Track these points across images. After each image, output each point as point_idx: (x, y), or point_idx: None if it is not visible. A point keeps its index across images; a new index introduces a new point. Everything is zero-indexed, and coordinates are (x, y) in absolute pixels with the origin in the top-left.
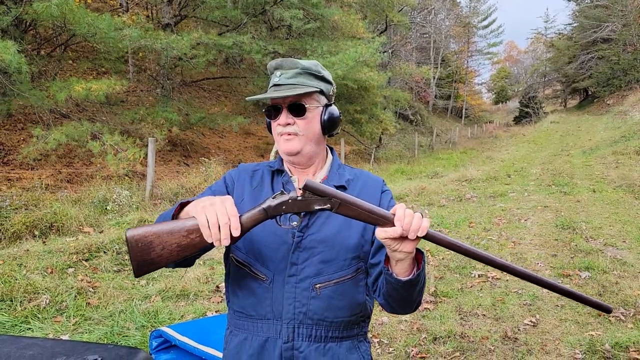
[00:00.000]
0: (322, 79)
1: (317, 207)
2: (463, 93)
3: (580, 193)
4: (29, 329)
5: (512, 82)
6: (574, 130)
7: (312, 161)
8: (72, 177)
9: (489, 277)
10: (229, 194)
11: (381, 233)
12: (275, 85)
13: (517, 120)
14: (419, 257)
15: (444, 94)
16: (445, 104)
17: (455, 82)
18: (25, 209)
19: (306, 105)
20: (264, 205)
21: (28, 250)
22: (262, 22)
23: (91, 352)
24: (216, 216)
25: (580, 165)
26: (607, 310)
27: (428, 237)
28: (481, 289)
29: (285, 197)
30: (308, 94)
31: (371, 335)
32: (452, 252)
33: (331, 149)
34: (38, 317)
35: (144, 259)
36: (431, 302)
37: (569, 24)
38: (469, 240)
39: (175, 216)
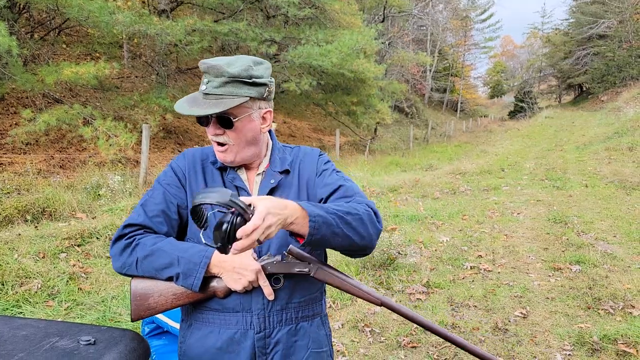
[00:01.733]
0: (253, 84)
1: (297, 270)
2: (459, 87)
3: (572, 188)
4: (21, 312)
5: (508, 77)
6: (568, 126)
7: (252, 160)
8: (64, 163)
9: (480, 269)
10: (182, 187)
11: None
12: (203, 93)
13: (512, 114)
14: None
15: (439, 87)
16: (441, 97)
17: (451, 75)
18: (17, 194)
19: (233, 120)
20: (261, 266)
21: (20, 234)
22: (259, 10)
23: (84, 333)
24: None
25: (574, 161)
26: None
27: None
28: (473, 281)
29: (271, 260)
30: (236, 105)
31: (363, 325)
32: (445, 244)
33: (270, 132)
34: (29, 302)
35: (142, 304)
36: (423, 292)
37: (566, 20)
38: (462, 232)
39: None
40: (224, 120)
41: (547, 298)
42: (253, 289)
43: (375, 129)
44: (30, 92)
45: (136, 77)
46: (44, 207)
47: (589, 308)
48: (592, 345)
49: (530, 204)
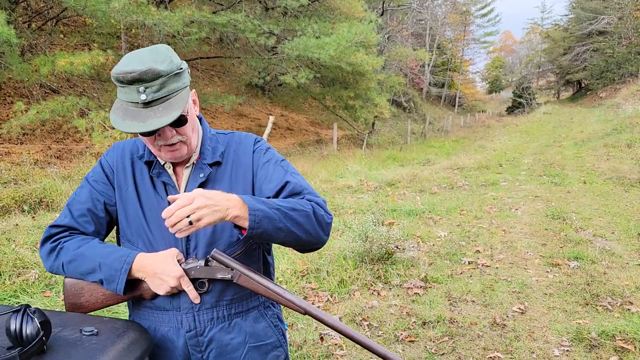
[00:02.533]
0: (180, 72)
1: (220, 276)
2: (457, 81)
3: (571, 184)
4: (18, 303)
5: (507, 72)
6: (566, 122)
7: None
8: (61, 154)
9: (478, 264)
10: (110, 183)
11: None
12: (142, 103)
13: (510, 110)
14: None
15: (438, 82)
16: (439, 91)
17: (449, 70)
18: (15, 184)
19: (186, 115)
20: (186, 271)
21: (17, 224)
22: (257, 1)
23: (87, 324)
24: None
25: (572, 157)
26: None
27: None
28: (471, 276)
29: (195, 264)
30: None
31: (361, 319)
32: (443, 239)
33: (200, 119)
34: (27, 292)
35: (75, 302)
36: (421, 287)
37: (566, 15)
38: (460, 227)
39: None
40: (177, 121)
41: (545, 294)
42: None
43: (373, 123)
44: (27, 82)
45: None
46: (41, 198)
47: (587, 304)
48: (591, 341)
49: (528, 199)
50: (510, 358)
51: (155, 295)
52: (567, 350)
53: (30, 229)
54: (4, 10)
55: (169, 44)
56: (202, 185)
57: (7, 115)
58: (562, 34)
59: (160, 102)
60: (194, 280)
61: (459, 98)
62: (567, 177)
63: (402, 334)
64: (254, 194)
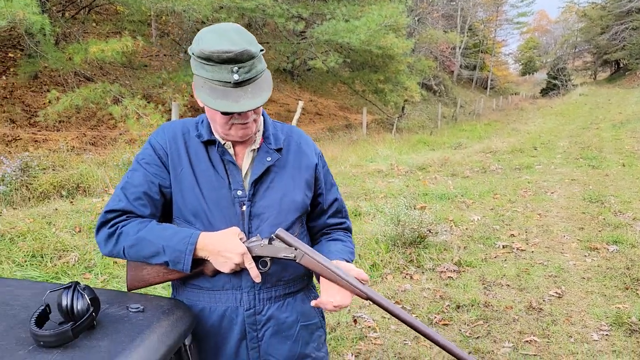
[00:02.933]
0: (261, 50)
1: (283, 255)
2: (489, 63)
3: (609, 167)
4: None
5: (541, 53)
6: (603, 103)
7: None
8: (96, 140)
9: (513, 248)
10: (164, 166)
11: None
12: (234, 83)
13: (544, 92)
14: None
15: (469, 64)
16: (470, 74)
17: (481, 52)
18: (53, 170)
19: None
20: (249, 248)
21: (57, 209)
22: None
23: (133, 301)
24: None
25: (610, 139)
26: None
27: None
28: (505, 260)
29: (259, 241)
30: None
31: (394, 302)
32: (476, 222)
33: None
34: (68, 274)
35: (137, 274)
36: (454, 271)
37: None
38: (493, 211)
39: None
40: None
41: (583, 278)
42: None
43: (403, 107)
44: (62, 70)
45: (164, 55)
46: (78, 183)
47: (627, 288)
48: (631, 325)
49: (564, 183)
50: (547, 342)
51: (216, 272)
52: (606, 335)
53: (69, 213)
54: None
55: (198, 30)
56: (269, 169)
57: (44, 104)
58: (600, 13)
59: (249, 82)
60: (256, 259)
61: (491, 80)
62: (605, 159)
63: (435, 317)
64: (312, 191)
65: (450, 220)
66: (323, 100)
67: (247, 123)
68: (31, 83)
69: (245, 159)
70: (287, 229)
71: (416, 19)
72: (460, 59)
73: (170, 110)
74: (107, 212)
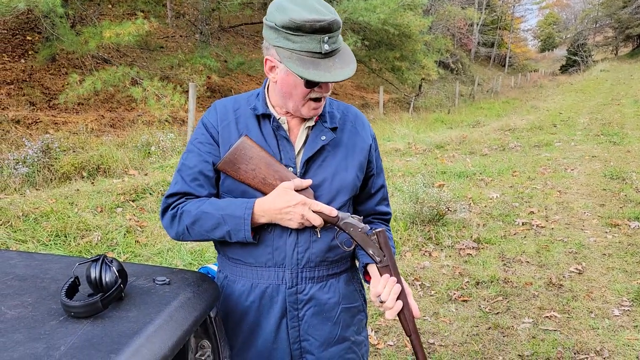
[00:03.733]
0: None
1: (370, 252)
2: (507, 40)
3: (630, 143)
4: None
5: (560, 29)
6: (625, 79)
7: None
8: (115, 122)
9: (533, 225)
10: (216, 143)
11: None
12: (323, 53)
13: (564, 69)
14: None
15: (487, 42)
16: (488, 51)
17: (499, 28)
18: (73, 152)
19: None
20: (340, 215)
21: (78, 190)
22: None
23: (158, 274)
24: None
25: (632, 115)
26: None
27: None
28: (525, 237)
29: (359, 225)
30: None
31: (413, 279)
32: (495, 200)
33: None
34: (91, 253)
35: (232, 162)
36: (474, 248)
37: None
38: (512, 188)
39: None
40: None
41: (604, 254)
42: (286, 243)
43: (420, 86)
44: (79, 53)
45: (180, 36)
46: (98, 164)
47: None
48: None
49: (585, 159)
50: (568, 317)
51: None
52: (628, 310)
53: (91, 193)
54: None
55: (213, 10)
56: (322, 147)
57: (62, 86)
58: None
59: (335, 53)
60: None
61: (510, 58)
62: (627, 136)
63: (455, 294)
64: (364, 173)
65: (469, 198)
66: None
67: (321, 100)
68: (49, 66)
69: (299, 136)
70: (339, 209)
71: None
72: (478, 36)
73: (187, 91)
74: (167, 197)
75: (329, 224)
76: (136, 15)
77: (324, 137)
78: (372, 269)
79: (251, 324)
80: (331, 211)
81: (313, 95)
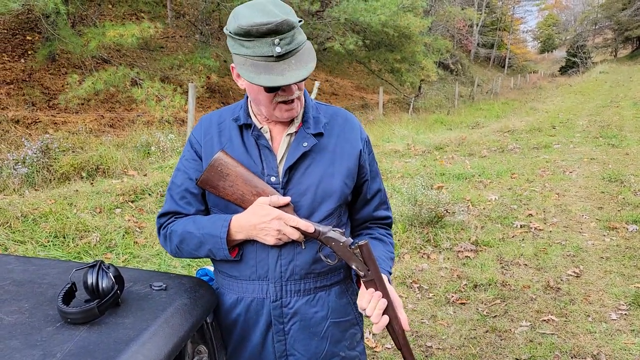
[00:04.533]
0: (300, 21)
1: (354, 266)
2: (507, 41)
3: (629, 146)
4: None
5: (560, 30)
6: (624, 81)
7: None
8: (114, 122)
9: (531, 228)
10: (200, 158)
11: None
12: (276, 56)
13: (563, 70)
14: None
15: (486, 43)
16: (488, 52)
17: (499, 29)
18: (72, 152)
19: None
20: (320, 228)
21: (77, 190)
22: None
23: (155, 279)
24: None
25: (631, 117)
26: None
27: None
28: (523, 239)
29: (341, 239)
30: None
31: (411, 281)
32: (493, 202)
33: None
34: (89, 253)
35: (209, 179)
36: (471, 250)
37: None
38: (511, 191)
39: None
40: None
41: (602, 257)
42: (268, 256)
43: (420, 87)
44: (79, 53)
45: (180, 36)
46: (97, 165)
47: None
48: None
49: (583, 162)
50: (565, 321)
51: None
52: (625, 314)
53: (90, 194)
54: None
55: (213, 11)
56: (305, 154)
57: (62, 86)
58: None
59: (291, 54)
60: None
61: (509, 59)
62: (626, 138)
63: (453, 296)
64: (354, 180)
65: (468, 200)
66: (339, 80)
67: (292, 101)
68: (49, 66)
69: (281, 144)
70: (322, 220)
71: None
72: (478, 37)
73: (187, 91)
74: (159, 217)
75: (311, 237)
76: (137, 16)
77: (305, 144)
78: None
79: (238, 336)
80: (308, 227)
81: (279, 99)
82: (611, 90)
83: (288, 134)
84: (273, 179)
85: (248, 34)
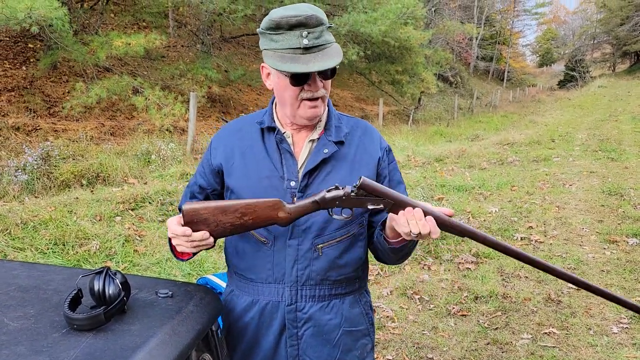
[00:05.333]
0: (330, 25)
1: (370, 207)
2: (506, 55)
3: (628, 159)
4: None
5: (559, 44)
6: (623, 95)
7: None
8: (115, 130)
9: (532, 241)
10: (212, 164)
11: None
12: (304, 48)
13: (562, 84)
14: None
15: (486, 56)
16: (487, 66)
17: (498, 43)
18: (73, 159)
19: (337, 67)
20: (317, 198)
21: (77, 198)
22: None
23: (161, 286)
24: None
25: (629, 131)
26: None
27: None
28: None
29: (340, 192)
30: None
31: (412, 292)
32: (494, 214)
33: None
34: (89, 261)
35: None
36: (472, 262)
37: None
38: (511, 203)
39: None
40: (331, 71)
41: (602, 271)
42: (285, 259)
43: (420, 99)
44: (81, 61)
45: (182, 46)
46: (98, 173)
47: None
48: None
49: (583, 175)
50: (566, 334)
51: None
52: (626, 328)
53: (90, 202)
54: None
55: (214, 21)
56: (325, 160)
57: (63, 94)
58: (620, 3)
59: (319, 49)
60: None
61: (508, 72)
62: (625, 152)
63: (454, 308)
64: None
65: (468, 212)
66: (339, 92)
67: (316, 100)
68: (50, 73)
69: (303, 149)
70: (340, 227)
71: (433, 9)
72: (477, 50)
73: (188, 100)
74: (178, 209)
75: (309, 212)
76: (139, 25)
77: (326, 150)
78: (389, 219)
79: (250, 340)
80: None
81: (304, 95)
82: (610, 104)
83: (310, 140)
84: (293, 183)
85: (278, 26)
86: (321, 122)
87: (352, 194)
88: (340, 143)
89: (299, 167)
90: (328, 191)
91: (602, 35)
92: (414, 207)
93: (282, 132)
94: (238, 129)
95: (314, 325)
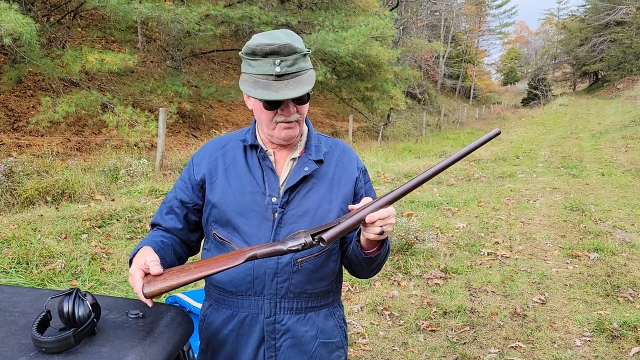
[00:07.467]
0: (307, 51)
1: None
2: (472, 73)
3: (589, 176)
4: None
5: (522, 64)
6: (583, 114)
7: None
8: (81, 146)
9: (498, 256)
10: (192, 181)
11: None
12: (276, 75)
13: (526, 102)
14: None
15: (452, 74)
16: (454, 83)
17: (464, 61)
18: (37, 175)
19: (310, 94)
20: (278, 247)
21: (42, 215)
22: None
23: (132, 307)
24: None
25: (590, 149)
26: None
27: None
28: (490, 267)
29: (299, 243)
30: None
31: (382, 308)
32: (461, 230)
33: (305, 118)
34: (54, 281)
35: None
36: (441, 277)
37: (582, 6)
38: (478, 218)
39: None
40: (303, 97)
41: (566, 285)
42: (265, 273)
43: (389, 115)
44: (46, 76)
45: (151, 61)
46: (63, 189)
47: (608, 295)
48: (612, 331)
49: (546, 191)
50: (532, 348)
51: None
52: (589, 341)
53: (55, 219)
54: (23, 4)
55: (182, 38)
56: (305, 178)
57: (28, 109)
58: (579, 25)
59: (291, 76)
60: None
61: (474, 90)
62: (585, 169)
63: (423, 324)
64: (351, 204)
65: (437, 228)
66: (310, 108)
67: (290, 122)
68: (15, 87)
69: (285, 167)
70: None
71: (401, 28)
72: (444, 68)
73: (158, 116)
74: (150, 224)
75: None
76: (106, 40)
77: (306, 168)
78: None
79: (229, 352)
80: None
81: (278, 118)
82: (571, 122)
83: (292, 159)
84: (274, 199)
85: (254, 53)
86: (302, 141)
87: (313, 242)
88: (319, 162)
89: (280, 183)
90: (287, 240)
91: (562, 55)
92: (367, 215)
93: (265, 150)
94: (222, 146)
95: (292, 336)
